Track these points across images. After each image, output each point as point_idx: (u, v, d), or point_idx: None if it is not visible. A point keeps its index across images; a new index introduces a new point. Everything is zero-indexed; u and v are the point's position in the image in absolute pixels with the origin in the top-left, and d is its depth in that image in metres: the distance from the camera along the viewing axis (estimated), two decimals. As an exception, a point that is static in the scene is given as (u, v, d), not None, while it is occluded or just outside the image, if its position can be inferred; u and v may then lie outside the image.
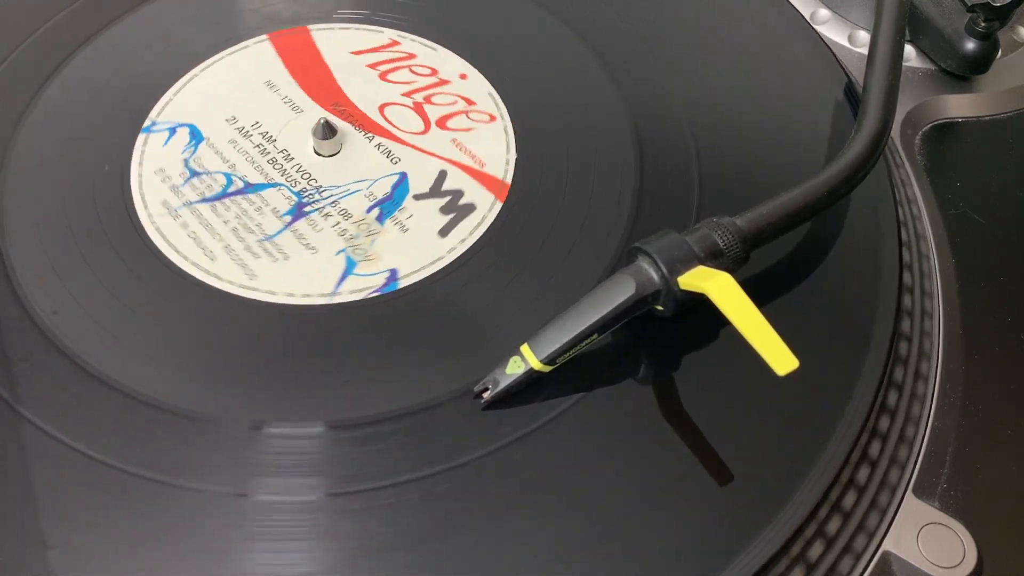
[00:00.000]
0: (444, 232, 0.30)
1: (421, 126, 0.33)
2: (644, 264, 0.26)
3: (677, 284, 0.25)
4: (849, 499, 0.26)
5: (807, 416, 0.26)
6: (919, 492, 0.28)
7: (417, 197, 0.31)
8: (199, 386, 0.26)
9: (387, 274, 0.29)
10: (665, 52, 0.35)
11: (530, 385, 0.26)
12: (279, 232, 0.30)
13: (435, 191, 0.31)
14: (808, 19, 0.38)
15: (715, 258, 0.26)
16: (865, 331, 0.28)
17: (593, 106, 0.33)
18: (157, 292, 0.29)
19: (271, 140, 0.32)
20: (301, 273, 0.29)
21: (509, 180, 0.31)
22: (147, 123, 0.33)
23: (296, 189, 0.31)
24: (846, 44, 0.39)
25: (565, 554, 0.24)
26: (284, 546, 0.24)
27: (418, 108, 0.33)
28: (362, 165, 0.32)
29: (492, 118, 0.33)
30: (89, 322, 0.28)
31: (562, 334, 0.25)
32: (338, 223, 0.30)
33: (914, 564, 0.26)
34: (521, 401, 0.26)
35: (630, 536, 0.24)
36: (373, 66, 0.35)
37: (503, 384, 0.26)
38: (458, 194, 0.31)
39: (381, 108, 0.33)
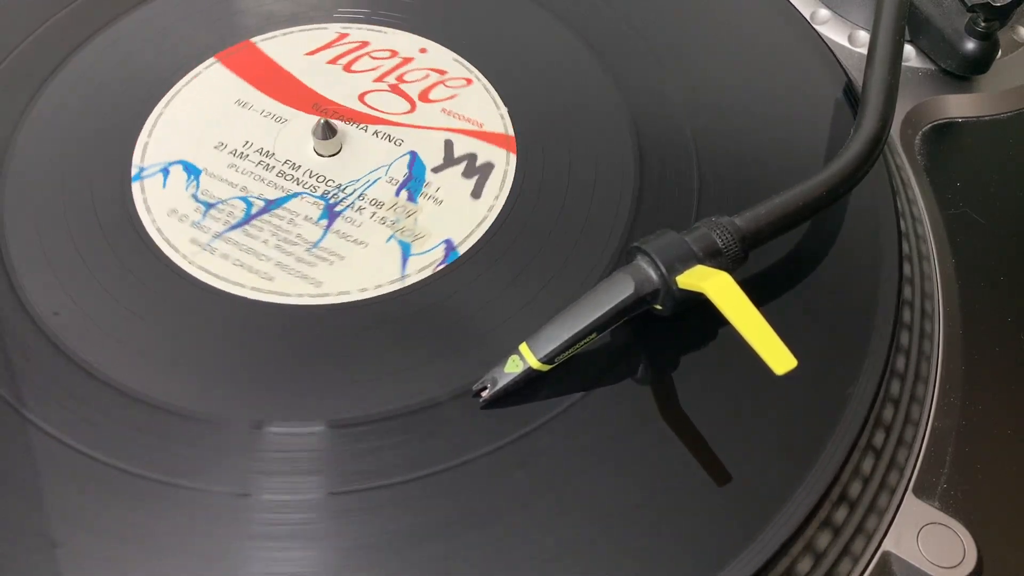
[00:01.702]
0: (476, 194, 0.31)
1: (407, 105, 0.33)
2: (643, 263, 0.26)
3: (676, 283, 0.25)
4: (849, 499, 0.26)
5: (806, 416, 0.26)
6: (919, 492, 0.28)
7: (435, 170, 0.32)
8: (200, 386, 0.27)
9: (443, 245, 0.30)
10: (665, 52, 0.35)
11: (529, 384, 0.26)
12: (322, 237, 0.30)
13: (449, 160, 0.32)
14: (808, 19, 0.38)
15: (714, 257, 0.26)
16: (864, 331, 0.28)
17: (592, 106, 0.33)
18: (157, 292, 0.29)
19: (270, 155, 0.32)
20: (362, 269, 0.29)
21: (511, 132, 0.32)
22: (135, 171, 0.32)
23: (318, 193, 0.31)
24: (846, 44, 0.39)
25: (564, 553, 0.24)
26: (286, 545, 0.24)
27: (395, 89, 0.34)
28: (370, 155, 0.32)
29: (468, 81, 0.34)
30: (90, 323, 0.28)
31: (561, 333, 0.25)
32: (374, 213, 0.31)
33: (914, 564, 0.26)
34: (520, 400, 0.26)
35: (629, 536, 0.24)
36: (333, 61, 0.35)
37: (502, 383, 0.26)
38: (472, 157, 0.32)
39: (361, 98, 0.34)
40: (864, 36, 0.39)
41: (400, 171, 0.32)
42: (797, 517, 0.24)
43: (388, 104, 0.34)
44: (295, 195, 0.31)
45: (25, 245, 0.30)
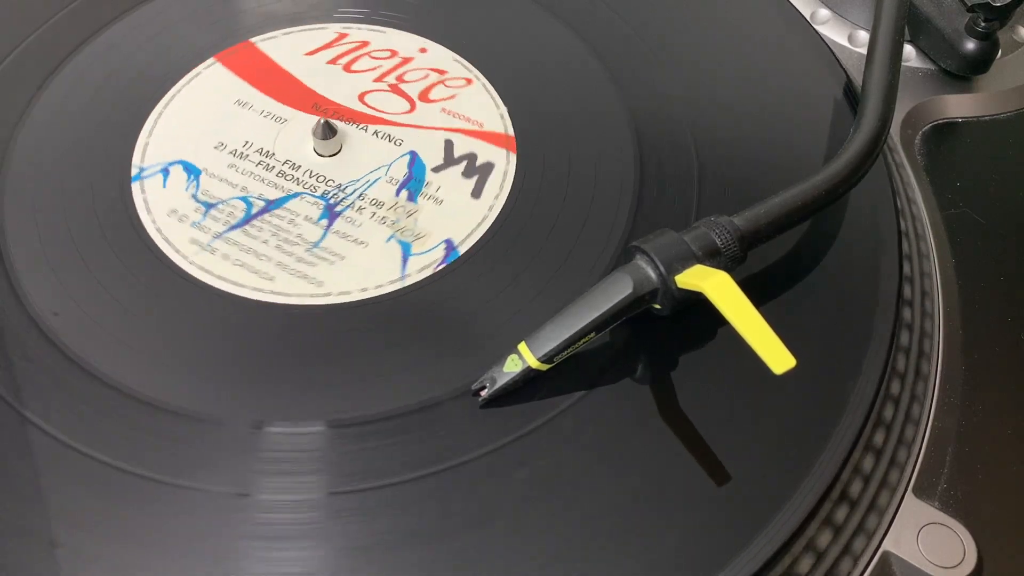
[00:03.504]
0: (476, 193, 0.31)
1: (406, 105, 0.33)
2: (642, 263, 0.26)
3: (675, 283, 0.25)
4: (849, 499, 0.26)
5: (807, 416, 0.26)
6: (919, 492, 0.28)
7: (435, 169, 0.32)
8: (200, 386, 0.27)
9: (444, 245, 0.30)
10: (665, 51, 0.35)
11: (528, 384, 0.26)
12: (323, 237, 0.30)
13: (449, 160, 0.32)
14: (808, 19, 0.38)
15: (713, 257, 0.26)
16: (864, 331, 0.28)
17: (592, 106, 0.33)
18: (157, 292, 0.29)
19: (270, 155, 0.32)
20: (363, 268, 0.29)
21: (512, 132, 0.32)
22: (135, 172, 0.32)
23: (318, 193, 0.31)
24: (846, 44, 0.39)
25: (564, 554, 0.24)
26: (285, 545, 0.24)
27: (395, 89, 0.34)
28: (369, 156, 0.32)
29: (468, 81, 0.34)
30: (90, 323, 0.28)
31: (560, 332, 0.25)
32: (374, 213, 0.31)
33: (914, 564, 0.26)
34: (520, 400, 0.26)
35: (628, 536, 0.24)
36: (333, 61, 0.35)
37: (500, 382, 0.26)
38: (472, 157, 0.32)
39: (360, 97, 0.34)
40: (864, 36, 0.39)
41: (400, 171, 0.32)
42: (797, 517, 0.24)
43: (388, 104, 0.34)
44: (295, 195, 0.31)
45: (25, 245, 0.30)
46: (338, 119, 0.33)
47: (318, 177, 0.32)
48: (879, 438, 0.27)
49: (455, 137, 0.33)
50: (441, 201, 0.31)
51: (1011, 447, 0.29)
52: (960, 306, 0.32)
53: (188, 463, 0.25)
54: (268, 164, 0.32)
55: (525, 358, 0.25)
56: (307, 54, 0.35)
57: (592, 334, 0.25)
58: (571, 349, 0.26)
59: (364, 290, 0.29)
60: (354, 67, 0.35)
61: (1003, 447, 0.29)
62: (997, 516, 0.27)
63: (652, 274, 0.26)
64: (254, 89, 0.34)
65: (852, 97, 0.34)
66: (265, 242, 0.30)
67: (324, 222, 0.30)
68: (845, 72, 0.35)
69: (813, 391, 0.26)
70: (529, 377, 0.26)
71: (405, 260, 0.29)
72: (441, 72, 0.34)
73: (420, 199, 0.31)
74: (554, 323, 0.26)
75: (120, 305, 0.28)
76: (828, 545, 0.26)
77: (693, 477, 0.25)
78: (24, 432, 0.26)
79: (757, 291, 0.25)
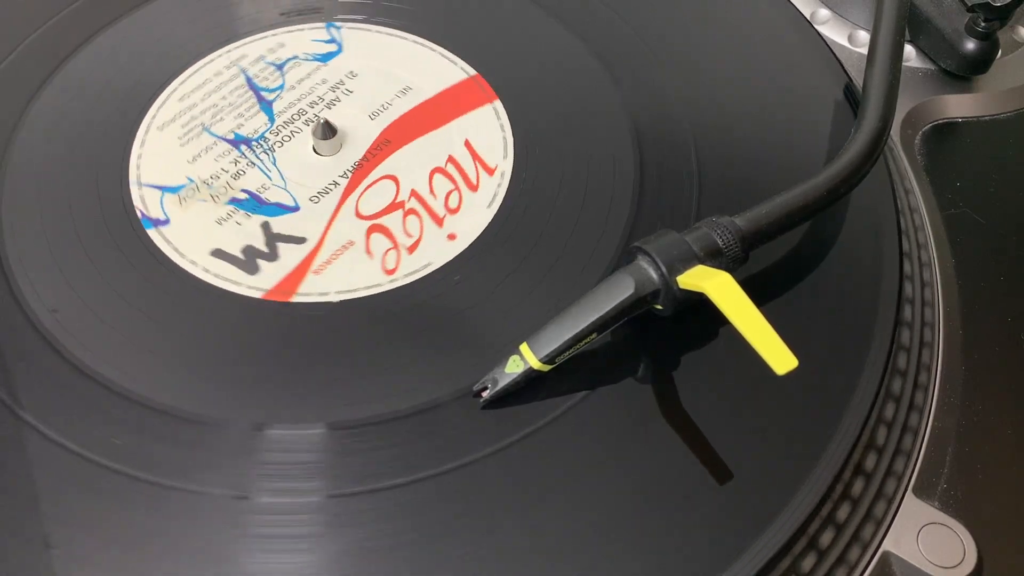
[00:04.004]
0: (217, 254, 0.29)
1: (376, 210, 0.31)
2: (643, 263, 0.26)
3: (676, 283, 0.25)
4: (850, 499, 0.26)
5: (808, 415, 0.26)
6: (919, 492, 0.28)
7: (264, 226, 0.30)
8: (199, 387, 0.26)
9: (164, 219, 0.30)
10: (665, 51, 0.35)
11: (530, 385, 0.26)
12: (204, 129, 0.33)
13: (272, 240, 0.30)
14: (808, 19, 0.38)
15: (714, 257, 0.26)
16: (865, 331, 0.28)
17: (592, 106, 0.33)
18: (157, 292, 0.29)
19: (315, 106, 0.34)
20: (155, 158, 0.32)
21: (292, 300, 0.28)
22: (332, 20, 0.36)
23: (266, 130, 0.33)
24: (846, 44, 0.39)
25: (566, 554, 0.24)
26: (285, 548, 0.24)
27: (398, 205, 0.31)
28: (314, 175, 0.32)
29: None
30: (88, 322, 0.28)
31: (561, 333, 0.25)
32: (221, 170, 0.32)
33: (914, 564, 0.26)
34: (521, 401, 0.26)
35: (631, 536, 0.24)
36: (443, 164, 0.32)
37: (502, 383, 0.26)
38: (270, 255, 0.30)
39: (397, 178, 0.32)
40: (864, 36, 0.39)
41: (276, 198, 0.31)
42: (799, 516, 0.24)
43: (378, 196, 0.31)
44: (269, 110, 0.33)
45: (23, 244, 0.30)
46: (369, 160, 0.32)
47: (285, 134, 0.33)
48: (880, 437, 0.27)
49: (310, 243, 0.30)
50: (221, 224, 0.30)
51: (1011, 447, 0.29)
52: (960, 306, 0.32)
53: (186, 465, 0.25)
54: (301, 111, 0.34)
55: (527, 359, 0.25)
56: (465, 142, 0.33)
57: (594, 335, 0.25)
58: (573, 350, 0.25)
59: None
60: (435, 184, 0.32)
61: (1003, 447, 0.29)
62: (997, 516, 0.28)
63: (654, 275, 0.26)
64: (416, 94, 0.34)
65: (852, 97, 0.34)
66: (220, 87, 0.34)
67: (230, 134, 0.33)
68: (845, 72, 0.35)
69: (814, 391, 0.27)
70: (531, 378, 0.26)
71: (161, 188, 0.31)
72: (414, 245, 0.30)
73: (229, 206, 0.31)
74: (556, 324, 0.26)
75: (118, 305, 0.28)
76: (829, 545, 0.26)
77: (695, 477, 0.25)
78: (19, 432, 0.26)
79: (758, 291, 0.25)
